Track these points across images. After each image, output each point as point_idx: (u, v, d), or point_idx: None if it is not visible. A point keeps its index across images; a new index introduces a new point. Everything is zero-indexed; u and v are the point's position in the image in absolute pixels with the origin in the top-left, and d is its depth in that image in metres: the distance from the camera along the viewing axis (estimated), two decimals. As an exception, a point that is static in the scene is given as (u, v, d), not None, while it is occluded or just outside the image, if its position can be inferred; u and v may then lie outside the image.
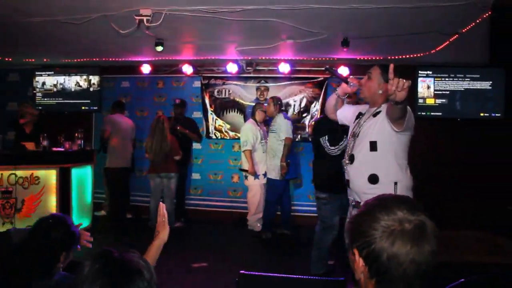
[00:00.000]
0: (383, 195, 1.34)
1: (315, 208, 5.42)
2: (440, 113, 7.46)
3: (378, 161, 3.12)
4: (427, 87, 7.45)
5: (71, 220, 2.40)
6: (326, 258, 4.99)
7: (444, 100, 7.43)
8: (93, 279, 1.12)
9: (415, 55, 6.81)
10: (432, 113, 7.45)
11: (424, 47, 6.37)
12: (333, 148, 4.91)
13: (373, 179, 3.12)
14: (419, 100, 7.48)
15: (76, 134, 7.02)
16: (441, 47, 6.09)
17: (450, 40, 5.67)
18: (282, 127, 6.51)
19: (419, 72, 7.46)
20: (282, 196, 6.79)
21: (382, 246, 1.18)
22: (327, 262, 5.02)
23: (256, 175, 6.87)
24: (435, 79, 7.42)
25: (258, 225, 6.97)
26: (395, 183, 3.09)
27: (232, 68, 7.62)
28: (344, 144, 4.73)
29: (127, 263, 1.17)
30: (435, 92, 7.45)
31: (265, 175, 6.83)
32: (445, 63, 7.25)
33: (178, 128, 7.17)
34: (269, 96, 7.99)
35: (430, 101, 7.46)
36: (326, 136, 4.95)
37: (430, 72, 7.43)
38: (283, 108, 7.03)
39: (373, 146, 3.14)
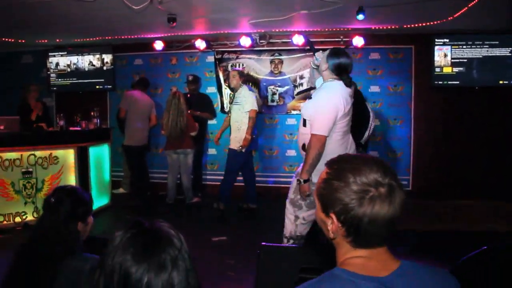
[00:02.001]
0: (348, 155, 1.41)
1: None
2: (458, 82, 7.32)
3: (308, 134, 3.60)
4: (444, 56, 7.31)
5: (77, 188, 2.37)
6: None
7: (461, 69, 7.29)
8: (124, 248, 1.13)
9: (431, 23, 6.67)
10: (449, 82, 7.33)
11: (441, 14, 6.23)
12: None
13: (303, 147, 3.69)
14: (436, 69, 7.35)
15: (92, 113, 7.04)
16: (459, 13, 5.93)
17: (469, 6, 5.51)
18: (247, 99, 6.39)
19: (436, 40, 7.31)
20: (243, 169, 6.73)
21: (362, 211, 1.23)
22: None
23: None
24: (452, 47, 7.27)
25: None
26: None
27: (245, 41, 7.54)
28: None
29: (157, 232, 1.19)
30: (452, 60, 7.31)
31: None
32: (462, 30, 7.10)
33: (189, 111, 7.10)
34: (283, 68, 7.93)
35: (447, 70, 7.33)
36: None
37: (447, 40, 7.27)
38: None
39: (304, 123, 3.72)
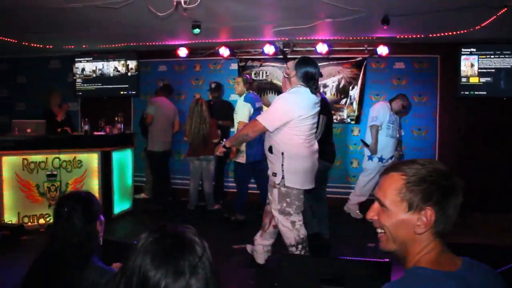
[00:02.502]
0: (416, 160, 1.47)
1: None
2: (485, 92, 7.19)
3: (272, 137, 3.91)
4: (470, 65, 7.20)
5: (80, 191, 2.36)
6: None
7: (489, 79, 7.16)
8: (145, 251, 1.14)
9: (458, 32, 6.57)
10: (476, 93, 7.20)
11: (468, 23, 6.13)
12: None
13: (270, 149, 3.95)
14: (462, 79, 7.24)
15: (116, 118, 7.13)
16: (487, 22, 5.84)
17: (498, 14, 5.41)
18: (239, 109, 6.07)
19: (462, 49, 7.21)
20: (256, 178, 6.60)
21: (452, 201, 1.38)
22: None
23: (370, 156, 6.67)
24: (479, 56, 7.16)
25: (357, 211, 6.85)
26: (282, 153, 3.84)
27: (269, 49, 7.55)
28: None
29: (180, 238, 1.18)
30: (479, 70, 7.19)
31: (381, 159, 6.58)
32: (490, 39, 6.98)
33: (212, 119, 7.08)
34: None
35: (474, 80, 7.21)
36: None
37: (474, 50, 7.17)
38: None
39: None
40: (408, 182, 1.40)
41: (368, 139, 6.62)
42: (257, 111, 6.05)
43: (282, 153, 3.84)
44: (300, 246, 3.97)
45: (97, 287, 1.98)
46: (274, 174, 3.92)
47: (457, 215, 1.40)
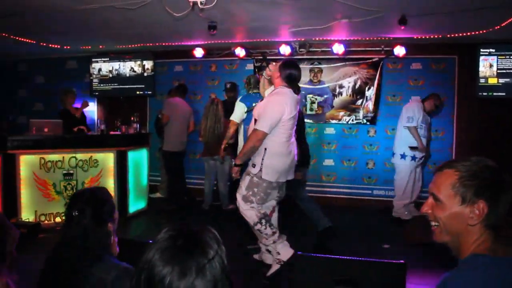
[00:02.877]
0: (474, 158, 1.58)
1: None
2: (504, 93, 7.09)
3: None
4: (489, 66, 7.11)
5: (94, 189, 2.33)
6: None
7: (508, 80, 7.05)
8: (157, 248, 1.14)
9: (476, 32, 6.49)
10: (494, 94, 7.10)
11: (487, 23, 6.06)
12: None
13: None
14: (481, 80, 7.15)
15: (132, 118, 7.18)
16: (506, 22, 5.76)
17: (517, 14, 5.34)
18: (235, 108, 5.91)
19: (481, 50, 7.11)
20: None
21: (503, 196, 1.48)
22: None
23: (403, 155, 6.59)
24: (499, 57, 7.06)
25: (406, 212, 6.67)
26: (265, 149, 4.12)
27: (285, 49, 7.54)
28: None
29: (193, 238, 1.18)
30: (498, 71, 7.09)
31: (413, 158, 6.51)
32: (509, 39, 6.86)
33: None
34: (322, 77, 7.88)
35: (493, 81, 7.11)
36: None
37: (493, 50, 7.06)
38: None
39: (255, 122, 4.16)
40: (461, 177, 1.52)
41: (404, 140, 6.52)
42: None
43: (265, 149, 4.14)
44: (263, 221, 4.24)
45: (104, 284, 1.97)
46: (253, 165, 4.21)
47: (507, 211, 1.48)
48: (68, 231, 2.15)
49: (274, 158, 4.15)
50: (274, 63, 4.47)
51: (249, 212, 4.26)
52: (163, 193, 8.18)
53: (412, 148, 6.47)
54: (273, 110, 4.07)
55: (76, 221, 2.12)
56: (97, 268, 2.01)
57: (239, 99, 6.13)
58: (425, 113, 6.51)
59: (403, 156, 6.53)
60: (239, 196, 4.31)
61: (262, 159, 4.14)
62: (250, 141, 4.13)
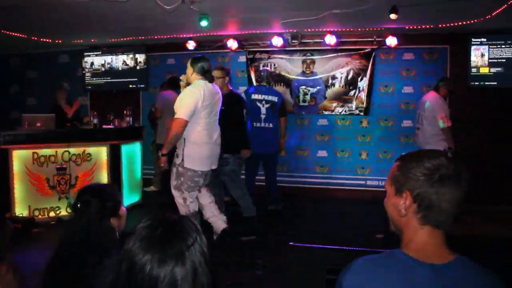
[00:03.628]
0: (419, 151, 1.55)
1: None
2: (495, 83, 7.13)
3: None
4: (481, 55, 7.14)
5: (102, 184, 2.36)
6: None
7: (499, 69, 7.09)
8: (136, 237, 1.16)
9: (468, 22, 6.51)
10: (486, 83, 7.14)
11: (478, 13, 6.06)
12: None
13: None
14: (472, 69, 7.18)
15: (125, 112, 7.17)
16: (497, 11, 5.76)
17: (509, 3, 5.32)
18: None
19: (472, 39, 7.14)
20: (265, 171, 6.74)
21: (432, 186, 1.38)
22: None
23: None
24: (490, 46, 7.09)
25: None
26: (184, 139, 4.51)
27: (277, 41, 7.53)
28: None
29: (171, 226, 1.19)
30: (490, 60, 7.12)
31: None
32: (500, 29, 6.90)
33: None
34: (315, 69, 7.89)
35: (484, 70, 7.15)
36: None
37: (485, 40, 7.09)
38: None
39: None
40: (398, 167, 1.50)
41: (437, 138, 6.15)
42: None
43: (185, 139, 4.51)
44: (192, 219, 4.30)
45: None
46: (177, 156, 4.60)
47: (455, 208, 1.41)
48: (72, 222, 2.18)
49: (194, 147, 4.50)
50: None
51: (181, 208, 4.69)
52: (157, 186, 8.18)
53: (450, 149, 6.05)
54: (188, 100, 4.43)
55: (80, 212, 2.15)
56: (106, 261, 2.03)
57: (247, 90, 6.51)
58: None
59: None
60: (172, 187, 4.69)
61: (183, 149, 4.51)
62: (172, 130, 4.45)
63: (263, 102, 6.33)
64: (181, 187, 4.63)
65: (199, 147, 4.56)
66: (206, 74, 4.67)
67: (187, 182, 4.61)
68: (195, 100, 4.43)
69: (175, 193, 4.71)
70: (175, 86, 7.43)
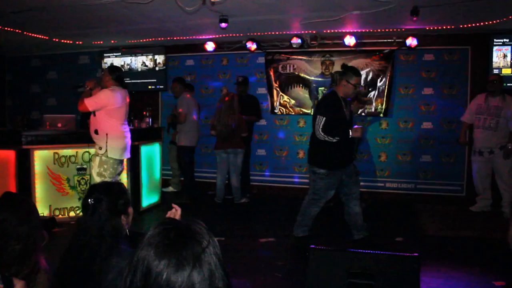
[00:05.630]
0: None
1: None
2: (518, 84, 7.00)
3: (98, 123, 5.31)
4: (503, 56, 7.02)
5: (112, 182, 2.40)
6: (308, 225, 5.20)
7: (522, 70, 6.97)
8: (150, 243, 1.15)
9: (490, 22, 6.41)
10: (508, 84, 7.01)
11: (500, 13, 5.96)
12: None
13: (96, 131, 5.29)
14: (494, 70, 7.05)
15: (144, 113, 7.22)
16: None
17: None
18: None
19: (495, 40, 7.02)
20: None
21: None
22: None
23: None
24: (513, 47, 6.97)
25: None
26: (106, 134, 5.24)
27: (296, 42, 7.50)
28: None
29: (184, 230, 1.18)
30: (512, 61, 7.00)
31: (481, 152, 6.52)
32: (524, 29, 6.78)
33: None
34: (334, 70, 7.85)
35: (507, 71, 7.02)
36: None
37: (507, 40, 6.97)
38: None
39: (94, 113, 5.29)
40: None
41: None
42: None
43: (107, 134, 5.22)
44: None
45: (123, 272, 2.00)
46: (100, 148, 5.26)
47: None
48: (84, 219, 2.21)
49: (114, 140, 5.27)
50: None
51: None
52: (176, 187, 8.22)
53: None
54: (102, 97, 5.20)
55: (92, 209, 2.19)
56: (117, 259, 2.05)
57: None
58: None
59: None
60: (94, 174, 5.32)
61: (106, 142, 5.22)
62: (82, 100, 5.18)
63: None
64: (104, 173, 5.31)
65: (118, 140, 5.38)
66: (122, 82, 5.50)
67: (110, 169, 5.34)
68: (107, 99, 5.26)
69: (97, 179, 5.24)
70: (192, 91, 7.56)
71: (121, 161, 5.55)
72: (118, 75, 5.43)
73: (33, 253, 2.10)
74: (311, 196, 5.10)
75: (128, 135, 5.53)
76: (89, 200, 2.21)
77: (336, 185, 5.02)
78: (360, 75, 5.13)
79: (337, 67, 7.77)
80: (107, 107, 5.22)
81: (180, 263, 1.09)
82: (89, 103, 5.17)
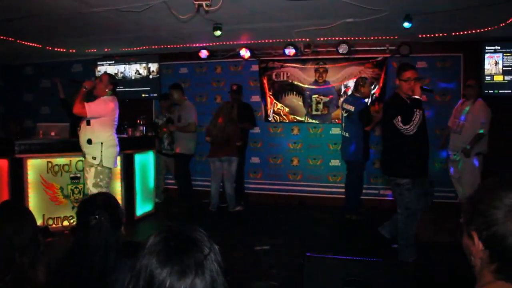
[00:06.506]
0: (505, 173, 1.18)
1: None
2: (510, 91, 7.06)
3: (93, 132, 5.13)
4: (495, 63, 7.08)
5: (107, 196, 2.39)
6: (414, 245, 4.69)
7: (513, 77, 7.02)
8: (151, 251, 1.15)
9: (481, 30, 6.46)
10: (500, 91, 7.07)
11: (492, 21, 6.02)
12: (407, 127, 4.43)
13: (89, 141, 5.10)
14: (486, 77, 7.12)
15: (138, 121, 7.20)
16: (511, 19, 5.73)
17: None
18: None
19: (486, 47, 7.09)
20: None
21: (507, 228, 1.05)
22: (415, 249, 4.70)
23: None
24: (504, 54, 7.03)
25: None
26: (101, 143, 5.13)
27: (289, 50, 7.52)
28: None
29: (185, 237, 1.19)
30: (504, 68, 7.06)
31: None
32: (515, 37, 6.84)
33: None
34: (327, 77, 7.88)
35: (498, 78, 7.09)
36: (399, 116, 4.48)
37: (499, 47, 7.04)
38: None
39: (88, 122, 5.11)
40: (472, 196, 1.20)
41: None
42: None
43: (102, 143, 5.11)
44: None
45: None
46: (94, 158, 5.11)
47: None
48: (84, 235, 2.18)
49: (109, 149, 5.19)
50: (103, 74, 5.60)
51: None
52: (159, 197, 7.98)
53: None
54: (101, 105, 5.11)
55: (98, 227, 2.16)
56: (121, 272, 2.04)
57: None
58: None
59: None
60: (90, 185, 5.15)
61: (101, 151, 5.10)
62: (82, 103, 4.94)
63: (343, 111, 6.69)
64: (100, 184, 5.19)
65: (112, 148, 5.31)
66: (116, 91, 5.50)
67: (106, 179, 5.25)
68: (105, 109, 5.21)
69: (93, 190, 5.00)
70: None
71: (113, 170, 5.48)
72: (115, 83, 5.42)
73: (30, 265, 2.06)
74: (404, 213, 4.57)
75: (118, 142, 5.45)
76: (93, 217, 2.18)
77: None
78: (410, 67, 4.63)
79: (330, 75, 7.83)
80: (106, 117, 5.14)
81: (182, 271, 1.10)
82: (90, 110, 4.97)
